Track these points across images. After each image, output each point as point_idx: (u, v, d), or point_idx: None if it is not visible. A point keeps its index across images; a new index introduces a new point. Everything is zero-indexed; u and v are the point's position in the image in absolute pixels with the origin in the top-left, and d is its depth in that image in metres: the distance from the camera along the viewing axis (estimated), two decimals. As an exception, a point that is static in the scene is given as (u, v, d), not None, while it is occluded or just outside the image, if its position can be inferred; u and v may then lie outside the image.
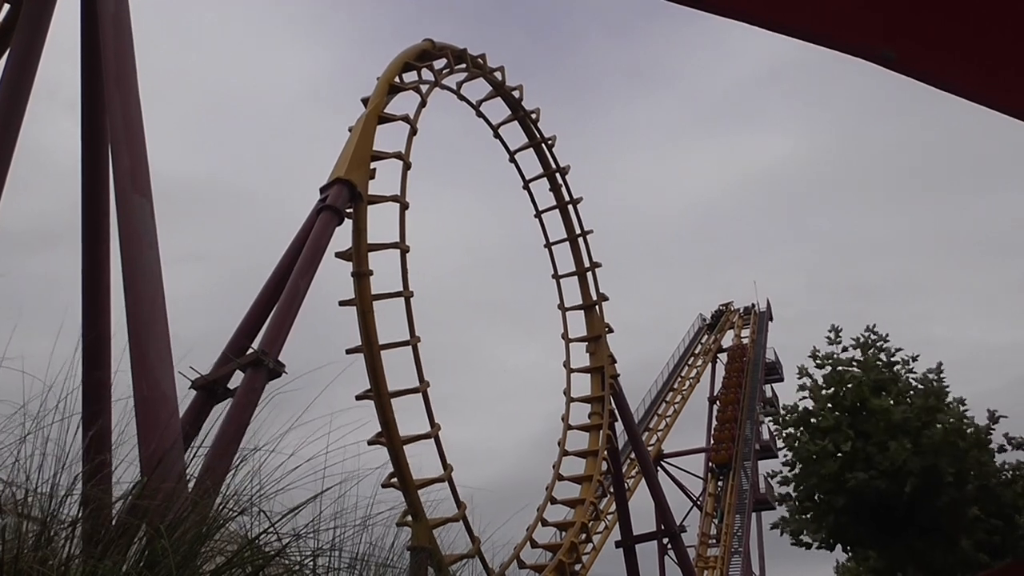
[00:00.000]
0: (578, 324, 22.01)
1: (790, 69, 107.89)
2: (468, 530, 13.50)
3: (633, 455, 28.47)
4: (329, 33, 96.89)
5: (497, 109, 20.99)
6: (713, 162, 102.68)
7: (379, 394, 14.43)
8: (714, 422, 42.20)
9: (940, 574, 19.87)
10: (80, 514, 4.46)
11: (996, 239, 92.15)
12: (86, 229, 9.59)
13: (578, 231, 22.05)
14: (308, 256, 13.47)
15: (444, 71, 18.59)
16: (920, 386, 21.21)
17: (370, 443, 13.60)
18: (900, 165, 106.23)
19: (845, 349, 22.17)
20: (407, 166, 16.44)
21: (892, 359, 21.84)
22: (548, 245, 22.08)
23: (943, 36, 1.57)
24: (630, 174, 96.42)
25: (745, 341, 47.55)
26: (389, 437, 14.25)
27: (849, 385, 21.16)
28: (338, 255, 15.00)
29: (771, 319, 49.64)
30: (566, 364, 21.39)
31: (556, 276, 22.08)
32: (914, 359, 21.78)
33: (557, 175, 21.84)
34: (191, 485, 5.39)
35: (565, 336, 21.63)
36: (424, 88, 17.82)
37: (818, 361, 22.05)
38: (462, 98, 19.74)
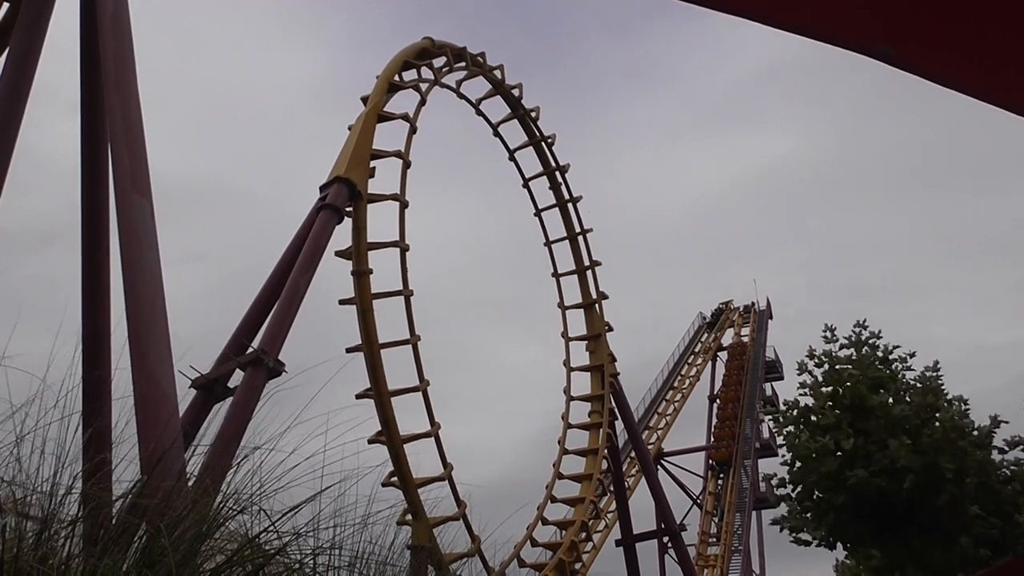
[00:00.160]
0: (578, 323, 22.04)
1: (790, 68, 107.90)
2: (468, 529, 13.52)
3: (633, 454, 28.48)
4: (328, 32, 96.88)
5: (497, 107, 21.03)
6: (713, 161, 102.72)
7: (379, 393, 14.45)
8: (714, 420, 42.22)
9: (940, 573, 19.88)
10: (80, 513, 4.47)
11: (996, 239, 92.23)
12: (86, 229, 9.60)
13: (578, 229, 22.06)
14: (308, 255, 13.48)
15: (444, 69, 18.59)
16: (918, 384, 21.22)
17: (370, 442, 13.61)
18: (900, 164, 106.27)
19: (841, 347, 22.17)
20: (407, 165, 16.44)
21: (890, 356, 21.83)
22: (548, 243, 22.09)
23: (943, 32, 1.57)
24: (630, 173, 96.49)
25: (745, 339, 47.56)
26: (389, 436, 14.27)
27: (848, 384, 21.15)
28: (338, 254, 15.01)
29: (771, 317, 49.65)
30: (566, 363, 21.40)
31: (556, 274, 22.09)
32: (911, 356, 21.78)
33: (557, 173, 21.85)
34: (191, 484, 5.39)
35: (565, 335, 21.64)
36: (424, 86, 17.83)
37: (816, 360, 22.05)
38: (462, 96, 19.75)
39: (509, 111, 21.14)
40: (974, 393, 21.51)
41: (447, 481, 14.90)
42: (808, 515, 21.02)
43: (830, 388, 21.37)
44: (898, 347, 22.01)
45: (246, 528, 4.84)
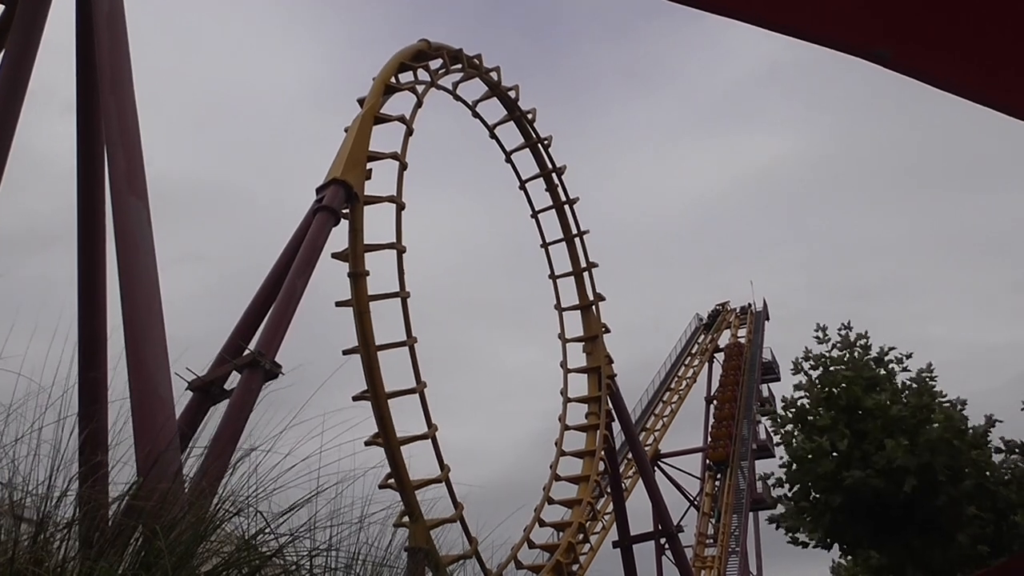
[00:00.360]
0: (575, 324, 22.03)
1: (789, 68, 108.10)
2: (465, 531, 13.51)
3: (630, 455, 28.48)
4: (325, 33, 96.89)
5: (493, 109, 21.01)
6: (711, 162, 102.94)
7: (376, 395, 14.42)
8: (711, 420, 42.24)
9: (939, 573, 19.90)
10: (76, 515, 4.45)
11: (995, 239, 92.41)
12: (82, 231, 9.58)
13: (574, 231, 22.05)
14: (304, 257, 13.46)
15: (440, 71, 18.58)
16: (914, 384, 21.26)
17: (367, 444, 13.60)
18: (899, 164, 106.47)
19: (833, 347, 22.21)
20: (403, 166, 16.43)
21: (886, 357, 21.86)
22: (545, 245, 22.08)
23: (939, 35, 1.57)
24: (628, 174, 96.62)
25: (742, 340, 47.60)
26: (386, 438, 14.24)
27: (842, 384, 21.17)
28: (334, 256, 14.99)
29: (768, 319, 49.70)
30: (563, 364, 21.39)
31: (553, 276, 22.08)
32: (908, 357, 21.80)
33: (553, 175, 21.84)
34: (187, 486, 5.38)
35: (562, 336, 21.64)
36: (420, 88, 17.81)
37: (811, 361, 22.09)
38: (458, 98, 19.73)
39: (506, 113, 21.13)
40: (973, 393, 21.51)
41: (444, 483, 14.89)
42: (805, 516, 21.04)
43: (825, 390, 21.40)
44: (893, 348, 22.05)
45: (243, 530, 4.84)
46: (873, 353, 21.94)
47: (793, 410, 21.66)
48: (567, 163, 22.05)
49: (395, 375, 15.03)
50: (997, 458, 20.75)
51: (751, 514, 37.22)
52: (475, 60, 19.54)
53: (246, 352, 11.81)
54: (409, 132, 16.90)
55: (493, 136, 21.13)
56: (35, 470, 4.53)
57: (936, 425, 20.10)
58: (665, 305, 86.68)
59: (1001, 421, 20.71)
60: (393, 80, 17.16)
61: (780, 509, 22.26)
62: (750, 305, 51.17)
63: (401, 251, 15.93)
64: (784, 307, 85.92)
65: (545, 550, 18.34)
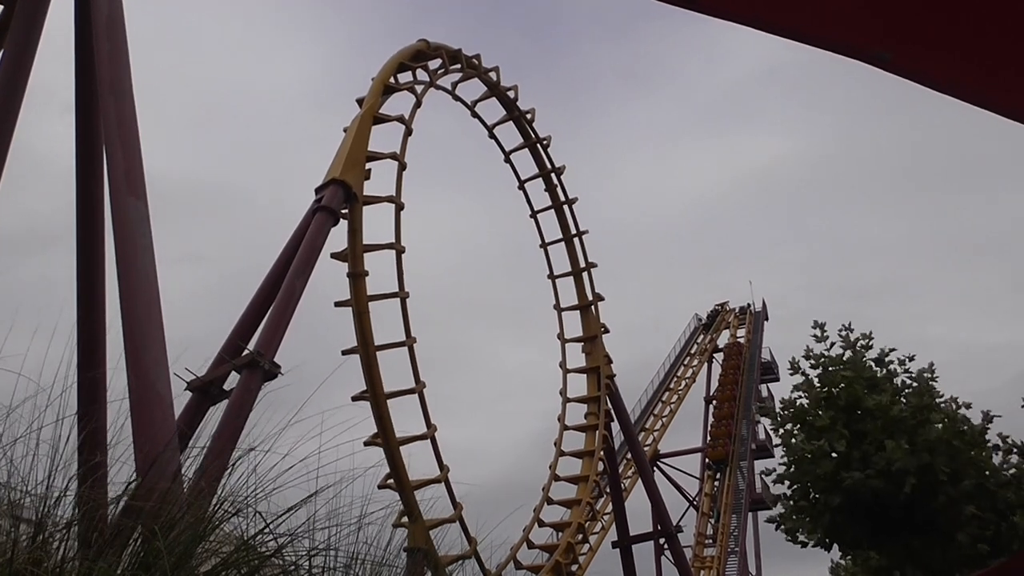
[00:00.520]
0: (574, 324, 22.04)
1: (788, 69, 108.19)
2: (465, 531, 13.52)
3: (629, 455, 28.48)
4: (325, 34, 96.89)
5: (492, 109, 21.02)
6: (711, 162, 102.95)
7: (375, 395, 14.43)
8: (711, 419, 42.26)
9: (939, 573, 19.88)
10: (75, 515, 4.46)
11: (995, 239, 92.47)
12: (81, 231, 9.58)
13: (574, 231, 22.07)
14: (303, 257, 13.47)
15: (439, 71, 18.59)
16: (915, 384, 21.23)
17: (366, 444, 13.61)
18: (899, 164, 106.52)
19: (832, 345, 22.18)
20: (402, 166, 16.43)
21: (886, 358, 21.83)
22: (544, 245, 22.09)
23: (939, 36, 1.57)
24: (627, 174, 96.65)
25: (741, 340, 47.61)
26: (385, 438, 14.25)
27: (842, 384, 21.14)
28: (334, 256, 15.00)
29: (767, 319, 49.71)
30: (562, 364, 21.40)
31: (552, 276, 22.09)
32: (910, 359, 21.76)
33: (552, 175, 21.86)
34: (186, 486, 5.38)
35: (561, 336, 21.64)
36: (419, 88, 17.82)
37: (811, 361, 22.04)
38: (457, 99, 19.73)
39: (505, 113, 21.15)
40: (972, 394, 21.50)
41: (443, 483, 14.89)
42: (804, 516, 21.02)
43: (825, 389, 21.37)
44: (894, 350, 22.02)
45: (242, 530, 4.84)
46: (874, 354, 21.91)
47: (792, 410, 21.63)
48: (566, 163, 22.10)
49: (394, 375, 15.06)
50: (996, 459, 20.73)
51: (750, 514, 37.23)
52: (474, 60, 19.54)
53: (245, 352, 11.81)
54: (408, 132, 16.90)
55: (492, 136, 21.14)
56: (34, 470, 4.53)
57: (936, 426, 20.08)
58: (664, 305, 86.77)
59: (999, 416, 20.68)
60: (392, 80, 17.17)
61: (779, 509, 22.24)
62: (749, 305, 51.20)
63: (400, 251, 15.93)
64: (784, 307, 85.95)
65: (544, 550, 18.34)
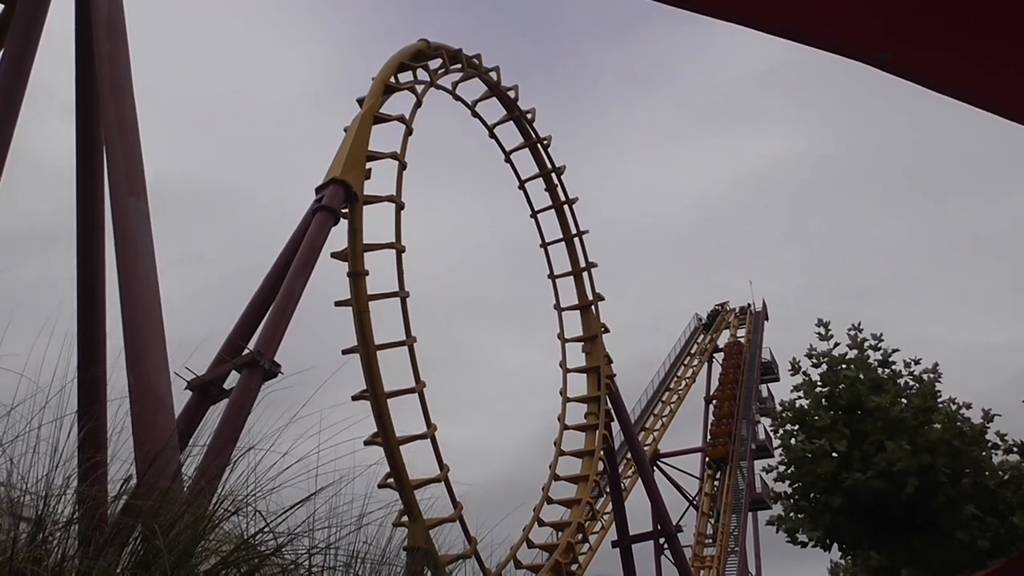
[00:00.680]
0: (574, 324, 22.04)
1: (788, 69, 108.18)
2: (464, 530, 13.53)
3: (629, 455, 28.48)
4: (325, 34, 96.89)
5: (493, 109, 21.02)
6: (711, 162, 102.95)
7: (375, 394, 14.43)
8: (710, 418, 42.27)
9: (940, 572, 19.88)
10: (75, 514, 4.46)
11: (995, 239, 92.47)
12: (81, 231, 9.59)
13: (574, 231, 22.07)
14: (304, 256, 13.47)
15: (439, 71, 18.59)
16: (917, 385, 21.22)
17: (366, 443, 13.62)
18: (899, 164, 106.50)
19: (836, 344, 22.15)
20: (402, 166, 16.44)
21: (889, 359, 21.81)
22: (544, 245, 22.09)
23: (938, 37, 1.58)
24: (627, 174, 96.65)
25: (742, 340, 47.61)
26: (385, 437, 14.26)
27: (844, 384, 21.13)
28: (334, 255, 15.00)
29: (767, 319, 49.69)
30: (562, 364, 21.40)
31: (552, 276, 22.09)
32: (916, 362, 21.73)
33: (553, 175, 21.86)
34: (186, 485, 5.39)
35: (561, 336, 21.64)
36: (419, 88, 17.83)
37: (814, 360, 22.02)
38: (457, 98, 19.74)
39: (505, 113, 21.15)
40: (972, 394, 21.51)
41: (443, 482, 14.90)
42: (804, 516, 21.01)
43: (826, 389, 21.36)
44: (897, 350, 22.00)
45: (241, 529, 4.85)
46: (879, 355, 21.88)
47: (792, 411, 21.62)
48: (566, 163, 22.10)
49: (394, 375, 15.07)
50: (997, 458, 20.73)
51: (750, 514, 37.23)
52: (474, 60, 19.55)
53: (245, 352, 11.82)
54: (408, 132, 16.91)
55: (492, 136, 21.15)
56: (34, 468, 4.53)
57: (937, 426, 20.08)
58: (664, 305, 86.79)
59: (999, 415, 20.68)
60: (392, 80, 17.17)
61: (779, 509, 22.23)
62: (749, 305, 51.19)
63: (400, 251, 15.94)
64: (783, 307, 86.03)
65: (544, 550, 18.35)
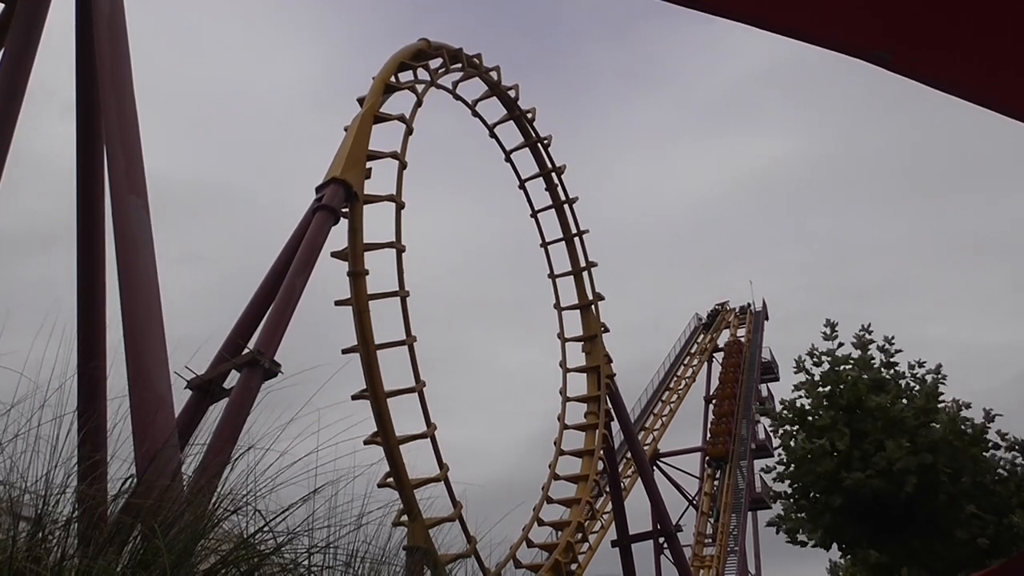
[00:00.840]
0: (574, 324, 22.05)
1: (789, 69, 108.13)
2: (464, 529, 13.53)
3: (629, 454, 28.49)
4: (324, 34, 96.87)
5: (493, 109, 21.03)
6: (711, 162, 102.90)
7: (375, 394, 14.44)
8: (711, 416, 42.28)
9: (940, 572, 19.89)
10: (74, 513, 4.47)
11: (995, 239, 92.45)
12: (82, 230, 9.59)
13: (574, 231, 22.07)
14: (304, 256, 13.48)
15: (440, 71, 18.60)
16: (918, 386, 21.24)
17: (366, 443, 13.63)
18: (899, 164, 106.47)
19: (841, 344, 22.15)
20: (403, 165, 16.45)
21: (892, 359, 21.81)
22: (544, 245, 22.10)
23: (938, 36, 1.58)
24: (627, 174, 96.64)
25: (742, 339, 47.60)
26: (385, 437, 14.27)
27: (846, 383, 21.14)
28: (334, 255, 15.01)
29: (767, 318, 49.69)
30: (562, 364, 21.41)
31: (552, 276, 22.09)
32: (920, 364, 21.73)
33: (553, 175, 21.86)
34: (186, 484, 5.40)
35: (561, 336, 21.65)
36: (420, 88, 17.83)
37: (815, 359, 22.03)
38: (458, 98, 19.75)
39: (505, 112, 21.15)
40: (972, 394, 21.56)
41: (443, 482, 14.90)
42: (803, 515, 21.02)
43: (827, 387, 21.36)
44: (900, 351, 21.99)
45: (241, 528, 4.85)
46: (882, 356, 21.88)
47: (792, 410, 21.63)
48: (567, 163, 22.10)
49: (394, 374, 15.07)
50: (1000, 453, 20.75)
51: (750, 513, 37.24)
52: (475, 59, 19.55)
53: (245, 351, 11.83)
54: (409, 131, 16.92)
55: (493, 135, 21.15)
56: (33, 467, 4.54)
57: (937, 426, 20.10)
58: (665, 305, 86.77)
59: (1001, 415, 20.71)
60: (393, 79, 17.18)
61: (779, 510, 22.23)
62: (749, 305, 51.18)
63: (400, 250, 15.94)
64: (783, 307, 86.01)
65: (544, 549, 18.36)
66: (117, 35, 9.45)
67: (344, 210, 14.92)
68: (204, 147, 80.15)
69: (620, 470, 28.87)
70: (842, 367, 21.47)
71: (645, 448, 33.51)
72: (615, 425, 22.28)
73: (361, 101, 16.51)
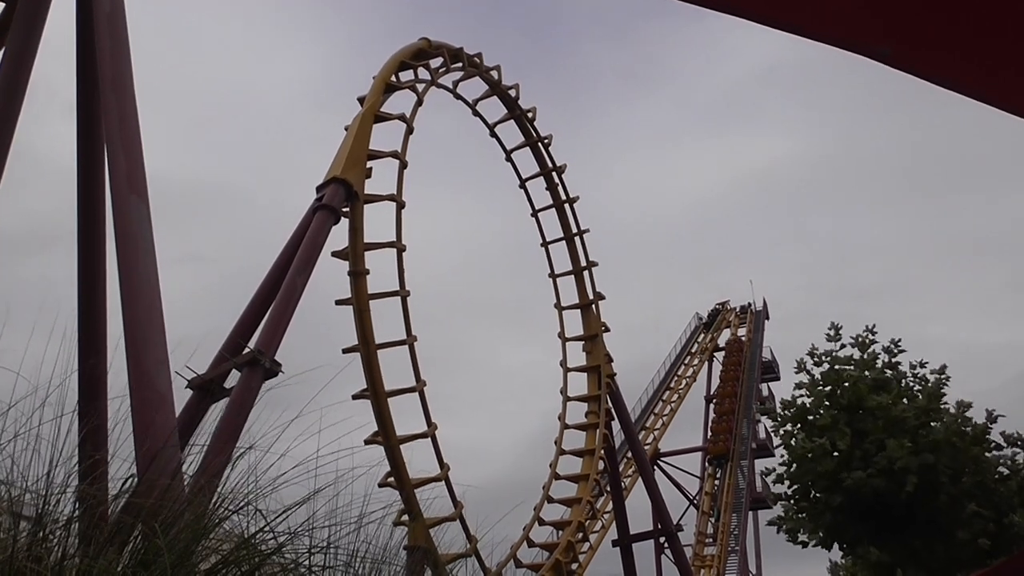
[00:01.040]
0: (575, 323, 22.04)
1: (789, 68, 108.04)
2: (465, 529, 13.53)
3: (630, 454, 28.48)
4: (324, 34, 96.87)
5: (494, 108, 21.02)
6: (711, 162, 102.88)
7: (376, 393, 14.44)
8: (711, 414, 42.26)
9: (940, 571, 19.89)
10: (75, 512, 4.46)
11: (995, 239, 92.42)
12: (82, 230, 9.59)
13: (574, 230, 22.05)
14: (304, 255, 13.47)
15: (440, 70, 18.59)
16: (919, 386, 21.25)
17: (367, 442, 13.61)
18: (899, 164, 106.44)
19: (843, 346, 22.16)
20: (403, 165, 16.44)
21: (895, 359, 21.82)
22: (545, 244, 22.08)
23: (942, 32, 1.57)
24: (627, 173, 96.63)
25: (743, 338, 47.58)
26: (386, 436, 14.26)
27: (847, 383, 21.15)
28: (334, 254, 15.00)
29: (767, 318, 49.65)
30: (563, 363, 21.40)
31: (552, 275, 22.08)
32: (922, 365, 21.73)
33: (553, 174, 21.84)
34: (187, 484, 5.39)
35: (562, 335, 21.64)
36: (420, 87, 17.83)
37: (816, 359, 22.04)
38: (458, 97, 19.74)
39: (506, 111, 21.14)
40: (972, 393, 21.54)
41: (444, 481, 14.90)
42: (804, 515, 21.03)
43: (828, 387, 21.37)
44: (904, 351, 21.99)
45: (242, 528, 4.85)
46: (885, 356, 21.88)
47: (793, 409, 21.64)
48: (567, 162, 22.08)
49: (395, 374, 15.07)
50: (996, 455, 20.74)
51: (750, 513, 37.22)
52: (475, 59, 19.54)
53: (246, 350, 11.82)
54: (409, 131, 16.91)
55: (493, 135, 21.14)
56: (34, 466, 4.54)
57: (937, 425, 20.11)
58: (665, 305, 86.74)
59: (1003, 416, 20.72)
60: (393, 79, 17.17)
61: (779, 509, 22.23)
62: (750, 304, 51.15)
63: (401, 250, 15.94)
64: (783, 307, 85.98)
65: (544, 549, 18.36)
66: (118, 35, 9.44)
67: (345, 209, 14.92)
68: (204, 147, 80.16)
69: (621, 470, 28.87)
70: (840, 367, 21.49)
71: (646, 448, 33.51)
72: (616, 424, 22.27)
73: (361, 100, 16.51)
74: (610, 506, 25.78)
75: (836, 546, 21.29)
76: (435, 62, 18.51)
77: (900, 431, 19.83)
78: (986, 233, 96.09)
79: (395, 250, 15.92)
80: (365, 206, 15.37)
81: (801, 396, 21.73)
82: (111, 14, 9.52)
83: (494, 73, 20.26)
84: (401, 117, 16.87)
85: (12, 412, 4.63)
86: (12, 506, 4.40)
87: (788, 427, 21.71)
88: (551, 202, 22.01)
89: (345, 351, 14.47)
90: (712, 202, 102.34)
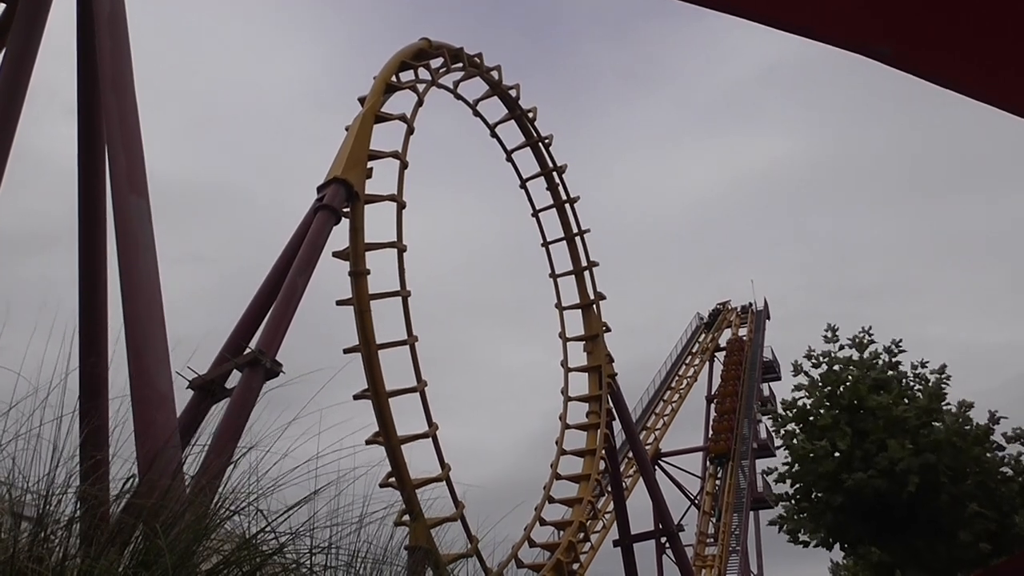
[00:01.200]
0: (576, 323, 22.03)
1: (789, 68, 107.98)
2: (466, 529, 13.53)
3: (631, 454, 28.48)
4: (324, 34, 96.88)
5: (494, 108, 21.01)
6: (711, 162, 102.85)
7: (376, 393, 14.43)
8: (712, 414, 42.27)
9: (941, 571, 19.90)
10: (76, 513, 4.46)
11: (995, 239, 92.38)
12: (83, 230, 9.59)
13: (575, 230, 22.04)
14: (305, 255, 13.47)
15: (441, 70, 18.58)
16: (920, 386, 21.25)
17: (368, 442, 13.60)
18: (899, 164, 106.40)
19: (841, 347, 22.17)
20: (404, 165, 16.44)
21: (895, 359, 21.83)
22: (545, 244, 22.07)
23: (942, 31, 1.57)
24: (628, 174, 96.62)
25: (744, 337, 47.58)
26: (387, 436, 14.25)
27: (847, 383, 21.16)
28: (335, 254, 15.00)
29: (768, 318, 49.66)
30: (563, 363, 21.39)
31: (553, 275, 22.07)
32: (923, 365, 21.73)
33: (554, 174, 21.84)
34: (188, 484, 5.39)
35: (562, 335, 21.63)
36: (421, 87, 17.82)
37: (813, 360, 22.05)
38: (459, 97, 19.74)
39: (506, 111, 21.13)
40: (972, 393, 21.58)
41: (445, 481, 14.90)
42: (805, 515, 21.04)
43: (827, 388, 21.38)
44: (904, 351, 21.99)
45: (243, 528, 4.85)
46: (885, 356, 21.88)
47: (794, 410, 21.66)
48: (568, 162, 22.07)
49: (396, 374, 15.06)
50: (998, 455, 20.74)
51: (752, 513, 37.22)
52: (476, 59, 19.53)
53: (247, 351, 11.82)
54: (410, 131, 16.90)
55: (494, 135, 21.13)
56: (35, 467, 4.54)
57: (938, 425, 20.12)
58: (666, 305, 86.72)
59: (1006, 417, 20.74)
60: (394, 79, 17.16)
61: (780, 509, 22.24)
62: (751, 304, 51.15)
63: (402, 250, 15.94)
64: (784, 307, 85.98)
65: (546, 549, 18.35)
66: (118, 35, 9.44)
67: (345, 210, 14.92)
68: (204, 147, 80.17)
69: (622, 469, 28.86)
70: (839, 368, 21.51)
71: (647, 448, 33.51)
72: (617, 424, 22.26)
73: (362, 101, 16.50)
74: (611, 506, 25.77)
75: (837, 546, 21.31)
76: (436, 62, 18.50)
77: (901, 431, 19.83)
78: (986, 233, 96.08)
79: (396, 250, 15.91)
80: (366, 206, 15.36)
81: (801, 397, 21.75)
82: (111, 14, 9.52)
83: (494, 73, 20.26)
84: (402, 117, 16.87)
85: (13, 412, 4.64)
86: (13, 507, 4.40)
87: (789, 428, 21.73)
88: (552, 202, 22.00)
89: (346, 351, 14.47)
90: (712, 202, 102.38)
